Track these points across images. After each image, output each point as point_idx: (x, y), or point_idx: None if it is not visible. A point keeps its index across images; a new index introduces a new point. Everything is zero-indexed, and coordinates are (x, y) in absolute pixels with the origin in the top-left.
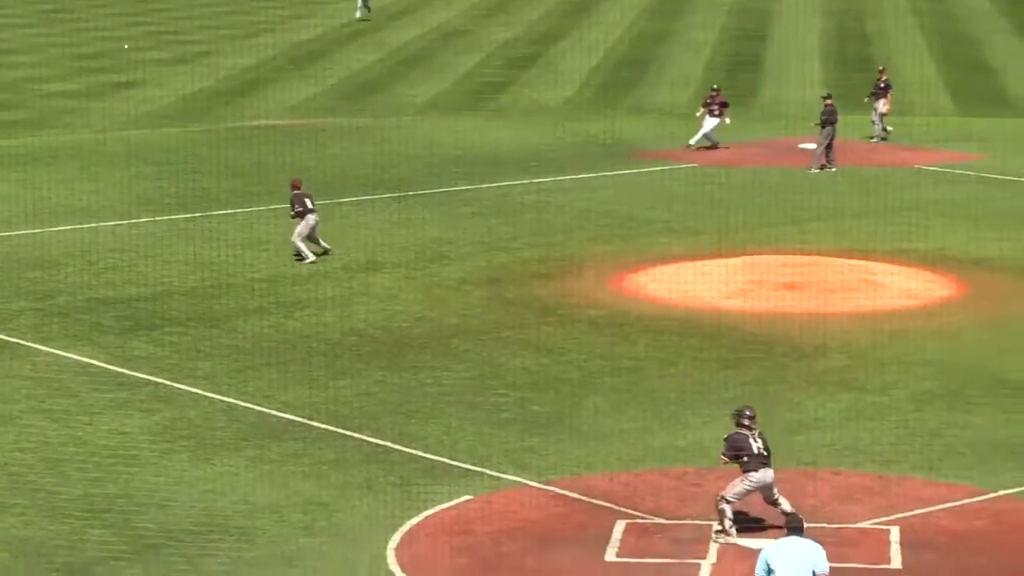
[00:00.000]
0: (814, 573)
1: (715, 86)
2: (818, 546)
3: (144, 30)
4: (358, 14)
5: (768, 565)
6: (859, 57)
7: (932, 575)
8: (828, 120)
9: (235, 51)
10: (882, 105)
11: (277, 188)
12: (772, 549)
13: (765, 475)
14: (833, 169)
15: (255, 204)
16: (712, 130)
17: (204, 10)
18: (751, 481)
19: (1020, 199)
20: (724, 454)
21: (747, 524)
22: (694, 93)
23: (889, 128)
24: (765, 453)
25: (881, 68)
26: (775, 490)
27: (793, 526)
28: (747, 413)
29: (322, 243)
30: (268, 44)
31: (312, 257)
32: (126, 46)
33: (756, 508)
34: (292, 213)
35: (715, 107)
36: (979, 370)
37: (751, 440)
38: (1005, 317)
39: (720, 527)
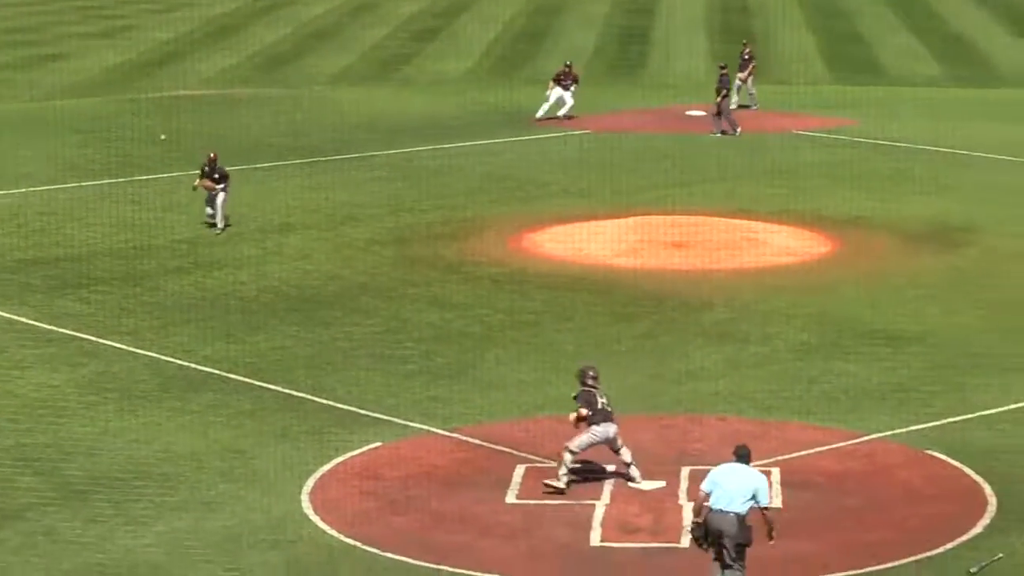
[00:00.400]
0: (757, 501)
1: (568, 61)
2: (763, 478)
3: (70, 4)
4: None
5: (713, 486)
6: (741, 29)
7: (810, 512)
8: (726, 88)
9: (155, 25)
10: (743, 75)
11: (196, 155)
12: (718, 471)
13: (608, 429)
14: (718, 135)
15: (174, 170)
16: (562, 102)
17: None
18: (594, 434)
19: (891, 162)
20: (581, 408)
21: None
22: (585, 64)
23: (752, 93)
24: (609, 409)
25: (744, 42)
26: (619, 441)
27: (739, 454)
28: (590, 373)
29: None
30: (186, 18)
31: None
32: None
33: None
34: (222, 184)
35: (568, 82)
36: (853, 321)
37: (597, 396)
38: (877, 272)
39: (560, 471)
